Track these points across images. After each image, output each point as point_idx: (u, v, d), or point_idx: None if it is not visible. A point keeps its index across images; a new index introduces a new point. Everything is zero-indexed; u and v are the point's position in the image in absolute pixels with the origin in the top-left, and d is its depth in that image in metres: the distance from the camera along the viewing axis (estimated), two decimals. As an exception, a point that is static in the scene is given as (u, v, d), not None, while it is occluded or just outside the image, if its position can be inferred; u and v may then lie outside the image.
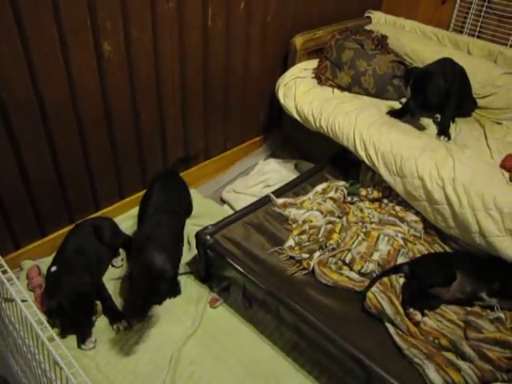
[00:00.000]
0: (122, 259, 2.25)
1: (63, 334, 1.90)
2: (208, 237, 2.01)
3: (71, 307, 1.83)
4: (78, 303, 1.86)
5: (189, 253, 2.26)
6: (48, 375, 1.10)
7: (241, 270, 1.89)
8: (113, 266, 2.23)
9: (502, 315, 1.77)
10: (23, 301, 1.43)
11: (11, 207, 2.01)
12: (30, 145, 1.93)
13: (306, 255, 1.96)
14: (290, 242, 2.04)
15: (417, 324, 1.71)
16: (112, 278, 2.16)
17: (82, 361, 1.81)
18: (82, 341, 1.86)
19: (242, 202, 2.52)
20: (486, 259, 1.96)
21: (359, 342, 1.64)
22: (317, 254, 1.97)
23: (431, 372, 1.56)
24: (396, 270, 1.91)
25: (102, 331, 1.92)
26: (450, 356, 1.62)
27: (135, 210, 2.47)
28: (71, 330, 1.90)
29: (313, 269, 1.92)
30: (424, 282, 1.81)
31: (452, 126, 2.43)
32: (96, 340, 1.87)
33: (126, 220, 2.44)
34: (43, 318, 1.90)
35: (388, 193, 2.35)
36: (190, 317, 1.98)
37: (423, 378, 1.57)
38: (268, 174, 2.83)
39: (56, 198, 2.16)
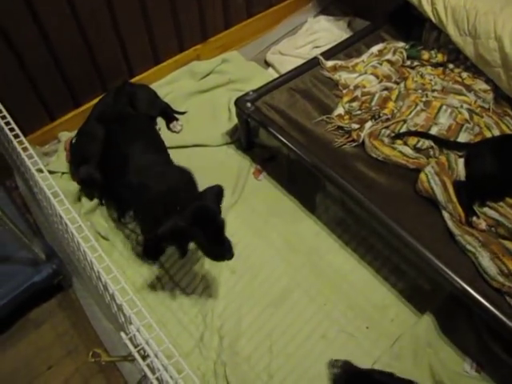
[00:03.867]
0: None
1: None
2: (249, 104, 1.85)
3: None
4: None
5: (229, 121, 2.12)
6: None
7: (284, 140, 1.75)
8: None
9: None
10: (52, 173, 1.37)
11: (39, 77, 1.89)
12: (48, 9, 1.74)
13: (356, 125, 1.77)
14: (339, 111, 1.85)
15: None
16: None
17: (122, 231, 1.81)
18: (122, 215, 1.84)
19: (288, 64, 2.27)
20: None
21: (408, 223, 1.52)
22: (368, 124, 1.78)
23: (485, 260, 1.44)
24: (457, 145, 1.71)
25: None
26: (509, 245, 1.48)
27: (173, 75, 2.31)
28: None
29: (363, 141, 1.75)
30: (479, 186, 1.60)
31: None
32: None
33: (164, 86, 2.27)
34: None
35: (455, 57, 2.05)
36: (230, 188, 1.90)
37: (475, 266, 1.46)
38: (318, 33, 2.55)
39: (85, 65, 2.00)
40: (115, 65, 2.11)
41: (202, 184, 1.90)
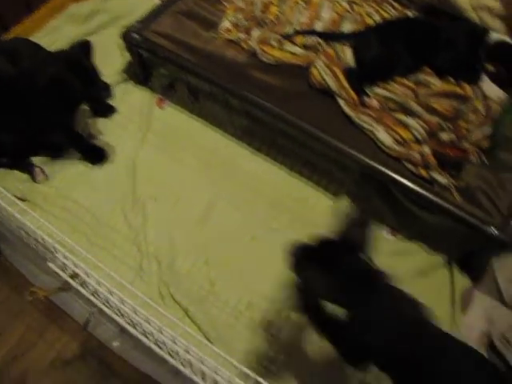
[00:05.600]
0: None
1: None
2: (136, 35, 1.82)
3: None
4: None
5: (122, 58, 2.08)
6: None
7: (178, 64, 1.76)
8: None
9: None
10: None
11: None
12: None
13: (244, 35, 1.80)
14: (226, 24, 1.85)
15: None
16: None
17: (40, 189, 1.78)
18: (32, 177, 1.81)
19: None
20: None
21: (309, 116, 1.62)
22: (256, 31, 1.81)
23: (381, 134, 1.57)
24: (342, 36, 1.79)
25: (51, 161, 1.86)
26: (399, 116, 1.61)
27: (53, 23, 2.20)
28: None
29: (253, 49, 1.77)
30: (368, 70, 1.70)
31: None
32: (44, 171, 1.81)
33: (45, 36, 2.15)
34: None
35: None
36: (137, 123, 1.91)
37: (374, 142, 1.58)
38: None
39: None
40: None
41: (108, 127, 1.91)
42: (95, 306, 1.10)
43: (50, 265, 1.00)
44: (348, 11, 1.89)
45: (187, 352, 0.90)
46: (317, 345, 1.45)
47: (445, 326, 1.54)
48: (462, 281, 1.62)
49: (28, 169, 1.82)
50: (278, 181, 1.77)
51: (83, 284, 1.01)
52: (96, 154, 1.85)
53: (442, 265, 1.65)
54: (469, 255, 1.63)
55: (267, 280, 1.58)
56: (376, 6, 1.96)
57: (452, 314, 1.57)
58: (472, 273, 1.63)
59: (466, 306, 1.59)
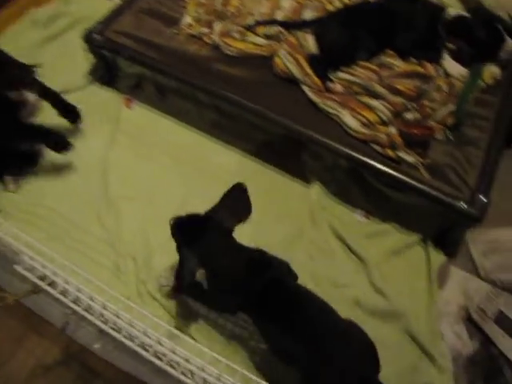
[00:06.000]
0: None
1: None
2: (97, 36, 1.81)
3: None
4: None
5: (87, 61, 2.06)
6: None
7: (142, 62, 1.76)
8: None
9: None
10: None
11: None
12: None
13: (206, 29, 1.80)
14: (187, 20, 1.85)
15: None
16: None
17: (12, 198, 1.75)
18: (3, 186, 1.77)
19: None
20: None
21: (275, 106, 1.63)
22: (217, 25, 1.81)
23: (347, 117, 1.58)
24: (304, 24, 1.80)
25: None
26: (364, 99, 1.63)
27: (14, 29, 2.17)
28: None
29: (217, 43, 1.78)
30: (330, 56, 1.71)
31: None
32: (15, 179, 1.77)
33: (6, 43, 2.04)
34: None
35: None
36: (105, 124, 1.90)
37: (341, 126, 1.60)
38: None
39: None
40: None
41: (77, 131, 1.90)
42: (69, 307, 1.09)
43: (17, 267, 0.99)
44: (308, -1, 1.89)
45: (159, 343, 0.90)
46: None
47: (423, 302, 1.57)
48: (438, 257, 1.64)
49: None
50: (251, 173, 1.77)
51: (52, 284, 1.00)
52: (60, 142, 1.75)
53: (416, 243, 1.67)
54: (442, 232, 1.65)
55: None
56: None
57: (430, 290, 1.58)
58: (447, 249, 1.66)
59: (443, 281, 1.61)
